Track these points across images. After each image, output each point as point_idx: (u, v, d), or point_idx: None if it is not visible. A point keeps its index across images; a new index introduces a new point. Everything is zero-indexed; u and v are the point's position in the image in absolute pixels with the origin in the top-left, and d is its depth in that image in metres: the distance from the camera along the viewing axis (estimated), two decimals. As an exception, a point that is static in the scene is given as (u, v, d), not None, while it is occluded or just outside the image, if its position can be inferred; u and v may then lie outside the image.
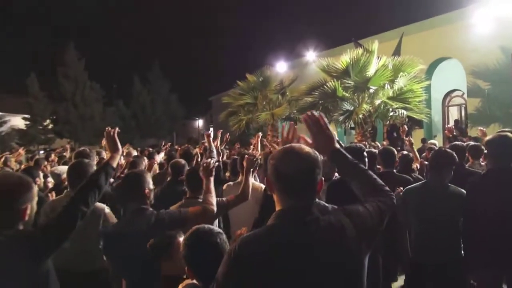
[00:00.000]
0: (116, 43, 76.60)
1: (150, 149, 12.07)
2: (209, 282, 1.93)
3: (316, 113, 1.91)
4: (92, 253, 3.34)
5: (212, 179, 3.33)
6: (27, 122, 34.32)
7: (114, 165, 2.68)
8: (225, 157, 7.20)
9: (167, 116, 42.37)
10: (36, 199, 2.23)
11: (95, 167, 3.53)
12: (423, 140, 13.74)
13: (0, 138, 32.04)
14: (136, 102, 41.35)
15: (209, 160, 3.46)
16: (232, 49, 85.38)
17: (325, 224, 1.62)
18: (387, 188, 1.85)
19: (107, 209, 3.42)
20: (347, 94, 13.31)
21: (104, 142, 10.92)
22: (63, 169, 5.17)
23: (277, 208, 1.69)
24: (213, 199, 3.20)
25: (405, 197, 3.75)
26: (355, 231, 1.64)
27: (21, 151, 10.91)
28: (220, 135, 7.84)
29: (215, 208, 3.17)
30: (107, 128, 2.92)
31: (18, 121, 34.33)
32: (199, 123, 49.13)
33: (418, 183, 3.91)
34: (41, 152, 24.62)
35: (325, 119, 1.91)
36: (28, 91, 33.79)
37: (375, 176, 1.88)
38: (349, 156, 1.88)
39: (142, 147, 19.05)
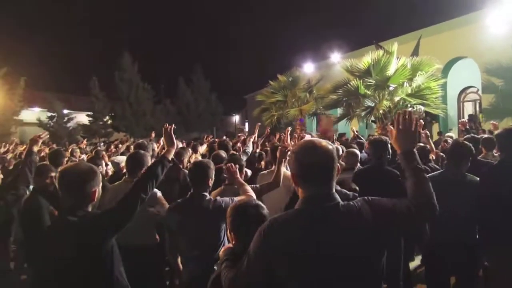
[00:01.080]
0: (164, 50, 77.95)
1: (193, 142, 12.22)
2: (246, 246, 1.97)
3: (411, 115, 1.85)
4: (147, 231, 3.46)
5: (238, 177, 3.36)
6: (90, 119, 35.26)
7: (170, 157, 2.75)
8: (258, 149, 7.19)
9: (208, 112, 42.74)
10: (101, 184, 2.33)
11: (149, 158, 3.62)
12: (440, 133, 13.36)
13: (68, 132, 33.13)
14: (181, 100, 41.83)
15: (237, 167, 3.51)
16: (264, 52, 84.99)
17: (344, 209, 1.61)
18: (434, 202, 1.69)
19: (159, 193, 3.51)
20: (368, 92, 13.04)
21: (153, 135, 11.21)
22: (121, 158, 5.30)
23: (300, 196, 1.70)
24: (248, 188, 3.25)
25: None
26: (372, 218, 1.59)
27: (85, 142, 11.35)
28: (258, 128, 7.88)
29: (254, 196, 3.21)
30: (165, 125, 2.98)
31: (82, 118, 35.42)
32: (236, 118, 49.43)
33: (436, 172, 3.80)
34: (101, 144, 25.43)
35: (419, 122, 1.85)
36: (90, 92, 34.70)
37: (430, 188, 1.72)
38: (419, 160, 1.80)
39: (186, 139, 19.34)
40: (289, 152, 3.88)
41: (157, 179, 2.51)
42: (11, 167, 6.17)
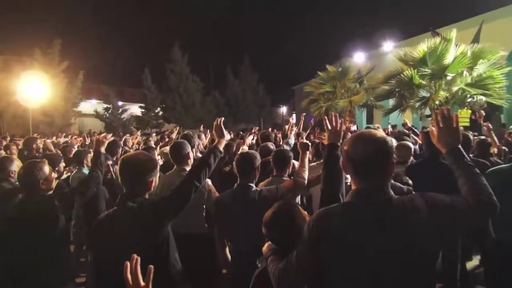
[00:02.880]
0: (212, 42, 79.14)
1: (241, 132, 12.38)
2: (286, 247, 1.96)
3: (447, 111, 1.82)
4: (198, 218, 3.58)
5: (308, 153, 3.48)
6: (143, 110, 36.72)
7: (221, 148, 2.83)
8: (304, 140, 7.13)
9: (256, 103, 42.94)
10: (158, 174, 2.44)
11: (189, 147, 3.75)
12: (503, 125, 12.50)
13: (122, 123, 34.74)
14: (229, 91, 42.32)
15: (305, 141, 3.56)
16: (312, 42, 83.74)
17: (397, 204, 1.56)
18: (492, 198, 1.60)
19: (209, 181, 3.61)
20: (423, 82, 12.47)
21: (202, 128, 11.48)
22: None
23: (353, 188, 1.67)
24: (305, 173, 3.30)
25: (488, 177, 3.44)
26: (428, 213, 1.53)
27: (138, 133, 11.87)
28: (303, 118, 7.83)
29: (305, 181, 3.26)
30: (216, 119, 3.06)
31: (135, 109, 36.97)
32: (283, 110, 49.29)
33: (505, 165, 3.54)
34: (153, 134, 26.47)
35: (458, 119, 1.80)
36: (143, 84, 36.11)
37: (485, 183, 1.65)
38: (467, 157, 1.74)
39: (234, 131, 19.62)
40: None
41: (209, 168, 2.60)
42: (71, 156, 6.60)
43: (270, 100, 44.86)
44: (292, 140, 5.32)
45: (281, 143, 6.00)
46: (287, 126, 5.92)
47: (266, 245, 2.10)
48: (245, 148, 7.41)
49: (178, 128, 11.07)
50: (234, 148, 5.64)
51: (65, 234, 3.02)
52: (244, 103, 42.25)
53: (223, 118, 3.10)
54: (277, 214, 2.14)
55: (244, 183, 3.12)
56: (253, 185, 3.13)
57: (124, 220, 2.21)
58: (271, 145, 5.12)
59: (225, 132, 3.01)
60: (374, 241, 1.52)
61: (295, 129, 6.57)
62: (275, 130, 11.39)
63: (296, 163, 4.34)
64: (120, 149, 5.85)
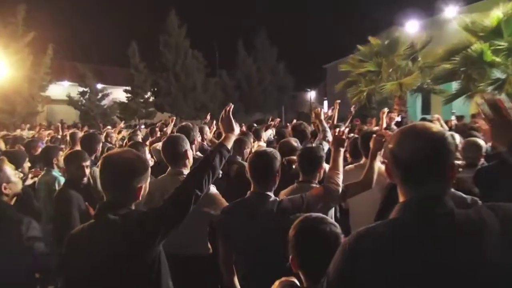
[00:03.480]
0: (219, 8, 79.20)
1: (255, 125, 12.38)
2: (316, 277, 1.97)
3: (494, 97, 1.82)
4: (199, 237, 3.59)
5: (342, 151, 3.48)
6: (128, 95, 37.22)
7: (229, 146, 2.83)
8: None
9: (275, 87, 43.04)
10: (149, 179, 2.46)
11: (187, 143, 3.76)
12: None
13: (102, 112, 35.28)
14: (240, 72, 42.58)
15: (341, 128, 3.58)
16: (350, 6, 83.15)
17: (462, 219, 1.54)
18: None
19: (214, 189, 3.62)
20: (497, 59, 12.29)
21: (208, 117, 11.52)
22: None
23: (401, 199, 1.65)
24: (339, 177, 3.29)
25: None
26: (499, 225, 1.51)
27: (122, 124, 12.05)
28: (337, 107, 7.77)
29: (339, 188, 3.25)
30: (225, 108, 3.07)
31: (119, 94, 37.46)
32: (311, 95, 49.12)
33: None
34: (142, 126, 26.63)
35: (507, 104, 1.81)
36: (129, 62, 36.55)
37: None
38: None
39: (247, 122, 19.63)
40: (385, 142, 3.81)
41: (214, 172, 2.61)
42: (37, 153, 6.70)
43: (294, 83, 44.93)
44: (329, 135, 5.31)
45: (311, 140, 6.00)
46: (315, 115, 5.89)
47: (277, 283, 2.15)
48: (261, 145, 7.42)
49: (174, 118, 11.17)
50: (247, 146, 5.65)
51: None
52: (259, 87, 42.43)
53: (232, 106, 3.09)
54: (303, 233, 2.14)
55: (259, 191, 3.12)
56: (271, 193, 3.13)
57: (103, 236, 2.22)
58: (294, 141, 5.11)
59: (235, 124, 3.00)
60: (429, 270, 1.49)
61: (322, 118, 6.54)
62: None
63: (327, 167, 4.33)
64: (100, 145, 5.90)
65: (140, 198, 2.38)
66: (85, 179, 4.37)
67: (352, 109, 8.82)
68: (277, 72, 43.60)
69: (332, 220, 2.28)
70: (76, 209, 3.99)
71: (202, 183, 2.51)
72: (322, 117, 5.67)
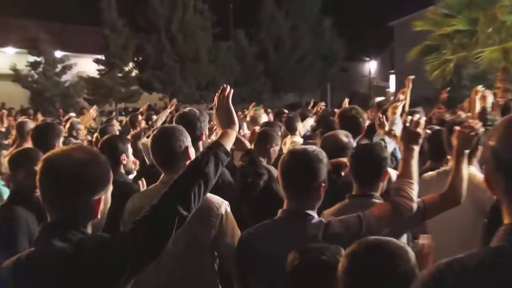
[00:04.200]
0: None
1: (287, 112, 12.25)
2: None
3: None
4: (199, 276, 3.62)
5: (417, 150, 3.45)
6: (101, 67, 37.60)
7: (228, 146, 2.88)
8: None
9: (317, 55, 42.91)
10: (111, 188, 2.50)
11: (188, 137, 3.78)
12: None
13: (63, 91, 35.53)
14: (266, 32, 42.46)
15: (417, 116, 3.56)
16: None
17: None
18: None
19: (226, 207, 3.64)
20: None
21: (215, 101, 11.50)
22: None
23: (506, 220, 1.67)
24: (414, 189, 3.28)
25: None
26: None
27: (93, 111, 12.08)
28: (409, 85, 7.67)
29: (415, 204, 3.25)
30: (222, 85, 3.09)
31: (87, 66, 37.84)
32: (370, 66, 49.00)
33: None
34: (122, 113, 26.61)
35: None
36: (102, 19, 36.65)
37: None
38: None
39: (276, 107, 19.61)
40: (477, 138, 3.78)
41: (207, 183, 2.65)
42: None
43: (345, 49, 44.61)
44: (398, 127, 5.26)
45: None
46: (391, 109, 5.84)
47: None
48: (296, 141, 7.41)
49: (174, 102, 11.17)
50: (275, 143, 5.65)
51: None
52: (294, 55, 42.31)
53: (229, 88, 3.15)
54: (358, 269, 2.16)
55: (296, 208, 3.15)
56: (313, 213, 3.16)
57: (46, 271, 2.27)
58: (345, 136, 5.08)
59: (235, 116, 3.07)
60: None
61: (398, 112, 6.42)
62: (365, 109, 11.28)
63: (395, 174, 4.30)
64: (61, 140, 5.95)
65: (99, 216, 2.43)
66: (37, 191, 4.41)
67: (443, 93, 8.73)
68: (321, 33, 43.43)
69: (403, 243, 2.34)
70: (25, 235, 4.03)
71: (188, 199, 2.55)
72: (399, 111, 5.63)
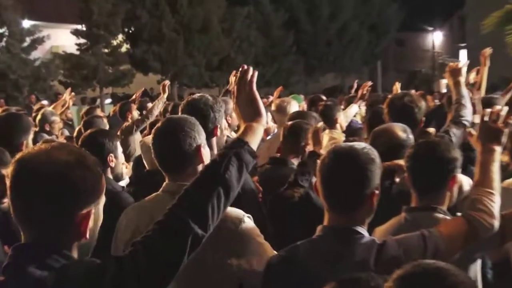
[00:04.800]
0: None
1: (323, 97, 12.20)
2: None
3: None
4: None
5: (499, 151, 3.47)
6: (81, 41, 37.59)
7: (254, 144, 2.85)
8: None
9: (363, 24, 42.77)
10: (103, 199, 2.50)
11: (202, 133, 3.78)
12: None
13: (33, 71, 35.47)
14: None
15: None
16: None
17: None
18: None
19: (248, 222, 3.63)
20: None
21: (234, 88, 11.37)
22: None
23: None
24: (494, 202, 3.28)
25: None
26: None
27: (67, 96, 11.98)
28: (486, 63, 7.63)
29: (495, 221, 3.24)
30: (242, 67, 3.08)
31: (64, 39, 38.02)
32: (434, 38, 48.76)
33: None
34: (107, 101, 26.62)
35: None
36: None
37: None
38: None
39: (310, 92, 19.70)
40: None
41: (228, 191, 2.63)
42: None
43: (401, 17, 44.35)
44: (467, 115, 5.26)
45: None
46: (450, 72, 5.78)
47: None
48: (336, 137, 7.42)
49: (166, 83, 11.01)
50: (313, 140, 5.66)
51: None
52: (333, 24, 42.11)
53: (251, 70, 3.07)
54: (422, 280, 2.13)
55: (341, 224, 3.17)
56: (363, 230, 3.17)
57: None
58: (401, 130, 5.05)
59: (261, 105, 3.03)
60: None
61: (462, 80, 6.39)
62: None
63: (467, 180, 4.30)
64: (31, 136, 5.99)
65: (87, 236, 2.40)
66: (6, 201, 4.45)
67: None
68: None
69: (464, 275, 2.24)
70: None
71: (205, 214, 2.52)
72: (463, 78, 5.59)
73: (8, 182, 2.33)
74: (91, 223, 2.38)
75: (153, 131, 3.92)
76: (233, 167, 2.66)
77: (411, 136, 4.99)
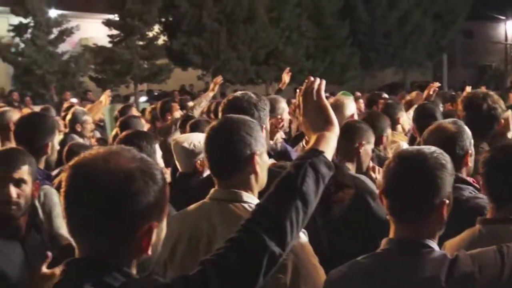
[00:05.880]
0: None
1: (386, 96, 12.16)
2: None
3: None
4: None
5: None
6: (113, 32, 38.05)
7: (329, 154, 2.82)
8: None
9: (426, 13, 42.66)
10: (167, 211, 2.48)
11: (260, 133, 3.75)
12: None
13: (60, 66, 35.78)
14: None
15: None
16: None
17: None
18: None
19: (303, 237, 3.60)
20: None
21: (286, 79, 11.27)
22: (197, 140, 5.60)
23: None
24: None
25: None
26: None
27: (105, 97, 12.03)
28: None
29: None
30: (308, 78, 3.05)
31: (95, 30, 38.40)
32: (507, 28, 48.47)
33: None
34: (142, 98, 26.73)
35: None
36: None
37: None
38: None
39: (369, 89, 19.75)
40: None
41: (306, 204, 2.60)
42: None
43: (470, 4, 44.15)
44: None
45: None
46: None
47: None
48: (398, 140, 7.39)
49: (219, 80, 10.93)
50: (367, 140, 5.65)
51: None
52: (394, 13, 42.04)
53: (318, 80, 3.01)
54: None
55: (409, 236, 3.15)
56: (433, 243, 3.15)
57: None
58: (451, 123, 5.02)
59: (332, 114, 2.97)
60: None
61: None
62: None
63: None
64: (56, 137, 6.00)
65: (150, 252, 2.40)
66: (19, 212, 4.47)
67: None
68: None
69: None
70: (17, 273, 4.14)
71: (283, 230, 2.49)
72: None
73: (62, 189, 2.31)
74: (154, 238, 2.35)
75: (207, 129, 3.93)
76: (309, 178, 2.64)
77: (465, 128, 4.96)
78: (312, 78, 3.01)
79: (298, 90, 3.07)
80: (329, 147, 2.83)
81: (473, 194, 4.42)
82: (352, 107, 8.30)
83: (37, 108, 13.34)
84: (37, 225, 4.43)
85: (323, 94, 2.99)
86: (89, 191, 2.28)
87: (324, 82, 3.00)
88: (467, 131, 4.87)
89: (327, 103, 2.99)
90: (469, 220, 3.85)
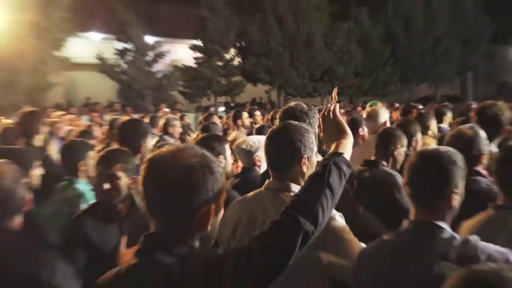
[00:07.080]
0: None
1: (421, 107, 12.08)
2: None
3: None
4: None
5: None
6: (198, 55, 38.03)
7: (347, 155, 2.98)
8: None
9: (455, 37, 41.86)
10: (224, 195, 2.57)
11: (312, 135, 3.81)
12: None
13: (155, 83, 35.73)
14: (393, 10, 41.80)
15: None
16: None
17: None
18: None
19: (340, 220, 3.65)
20: None
21: (335, 93, 11.35)
22: (258, 141, 5.69)
23: None
24: None
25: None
26: None
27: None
28: None
29: None
30: (334, 90, 3.15)
31: (183, 53, 38.63)
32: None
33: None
34: (221, 109, 26.68)
35: None
36: (199, -1, 37.04)
37: None
38: None
39: (406, 101, 19.47)
40: None
41: (333, 194, 2.75)
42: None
43: (493, 30, 43.26)
44: None
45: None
46: None
47: None
48: (427, 143, 7.34)
49: (269, 95, 10.99)
50: (400, 144, 5.69)
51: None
52: (427, 37, 41.21)
53: (335, 101, 3.23)
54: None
55: (425, 218, 3.19)
56: (445, 225, 3.16)
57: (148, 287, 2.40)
58: (467, 128, 5.04)
59: (345, 125, 3.17)
60: None
61: None
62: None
63: None
64: (147, 140, 5.97)
65: (209, 229, 2.50)
66: (116, 199, 4.61)
67: None
68: (461, 9, 42.35)
69: None
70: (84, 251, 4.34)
71: (316, 212, 2.61)
72: None
73: (140, 177, 2.48)
74: (211, 217, 2.47)
75: (268, 132, 3.98)
76: (334, 173, 2.80)
77: (480, 132, 4.99)
78: (336, 89, 3.36)
79: (335, 93, 3.20)
80: (347, 150, 3.05)
81: (488, 186, 4.45)
82: (385, 115, 8.62)
83: (136, 116, 13.57)
84: (134, 210, 4.58)
85: (338, 113, 3.21)
86: (159, 179, 2.43)
87: (338, 105, 3.24)
88: (482, 134, 4.89)
89: (342, 119, 3.19)
90: (485, 205, 3.84)
